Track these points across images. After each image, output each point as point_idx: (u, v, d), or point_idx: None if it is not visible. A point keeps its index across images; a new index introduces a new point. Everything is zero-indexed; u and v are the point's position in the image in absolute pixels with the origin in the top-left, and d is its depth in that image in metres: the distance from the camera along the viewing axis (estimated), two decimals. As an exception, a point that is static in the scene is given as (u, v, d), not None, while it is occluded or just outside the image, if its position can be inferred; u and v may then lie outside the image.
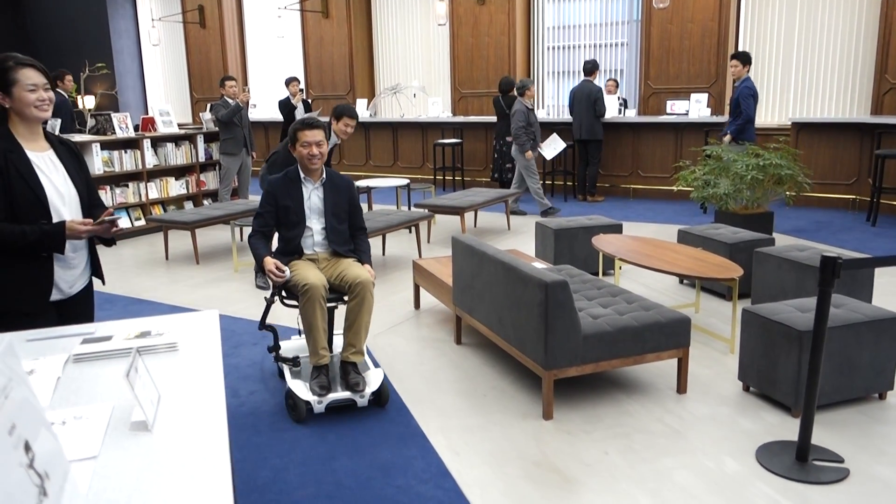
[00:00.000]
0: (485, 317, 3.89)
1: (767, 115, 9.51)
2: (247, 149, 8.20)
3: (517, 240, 7.23)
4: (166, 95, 14.44)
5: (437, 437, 3.26)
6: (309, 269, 3.54)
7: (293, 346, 4.04)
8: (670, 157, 9.37)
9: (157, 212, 8.12)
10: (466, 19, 11.07)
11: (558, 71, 11.98)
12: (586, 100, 9.12)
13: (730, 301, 4.92)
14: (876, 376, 3.44)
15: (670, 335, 3.52)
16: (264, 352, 4.38)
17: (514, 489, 2.83)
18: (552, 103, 11.83)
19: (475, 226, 8.02)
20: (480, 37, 11.01)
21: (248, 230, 7.28)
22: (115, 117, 7.85)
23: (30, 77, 2.45)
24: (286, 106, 10.01)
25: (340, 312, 3.66)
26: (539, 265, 4.59)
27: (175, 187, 8.42)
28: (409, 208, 7.66)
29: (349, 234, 3.76)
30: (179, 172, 8.54)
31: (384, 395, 3.58)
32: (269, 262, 3.49)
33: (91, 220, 2.54)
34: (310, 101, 10.72)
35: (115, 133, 7.74)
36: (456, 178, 10.74)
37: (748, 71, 7.44)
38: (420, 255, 6.54)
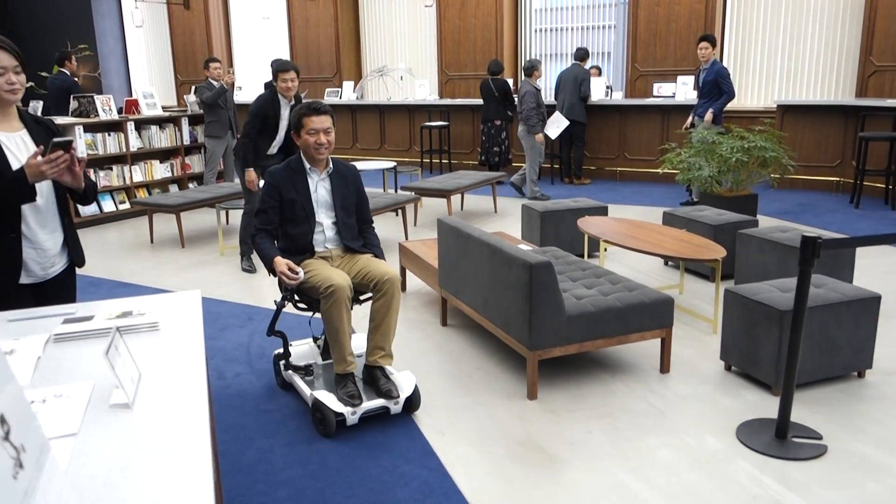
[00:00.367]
0: (470, 298, 3.90)
1: (753, 98, 9.54)
2: (232, 131, 8.12)
3: (504, 222, 7.24)
4: (150, 77, 14.27)
5: (422, 417, 3.28)
6: (329, 268, 3.22)
7: (301, 351, 3.67)
8: (657, 139, 9.39)
9: (142, 195, 8.05)
10: (453, 1, 10.99)
11: (546, 53, 11.94)
12: (573, 82, 9.12)
13: (713, 282, 4.96)
14: (855, 355, 3.49)
15: (654, 315, 3.55)
16: (250, 334, 4.38)
17: (498, 468, 2.86)
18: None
19: (462, 209, 8.02)
20: (467, 19, 10.94)
21: (234, 213, 7.27)
22: (99, 99, 7.76)
23: None
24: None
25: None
26: (525, 247, 4.60)
27: (160, 170, 8.35)
28: (396, 191, 7.64)
29: (358, 229, 3.49)
30: (164, 155, 8.47)
31: (416, 401, 3.27)
32: (281, 263, 3.15)
33: (41, 150, 2.31)
34: (302, 94, 10.53)
35: (98, 115, 7.66)
36: (443, 160, 10.72)
37: (715, 53, 7.59)
38: (406, 238, 6.54)
